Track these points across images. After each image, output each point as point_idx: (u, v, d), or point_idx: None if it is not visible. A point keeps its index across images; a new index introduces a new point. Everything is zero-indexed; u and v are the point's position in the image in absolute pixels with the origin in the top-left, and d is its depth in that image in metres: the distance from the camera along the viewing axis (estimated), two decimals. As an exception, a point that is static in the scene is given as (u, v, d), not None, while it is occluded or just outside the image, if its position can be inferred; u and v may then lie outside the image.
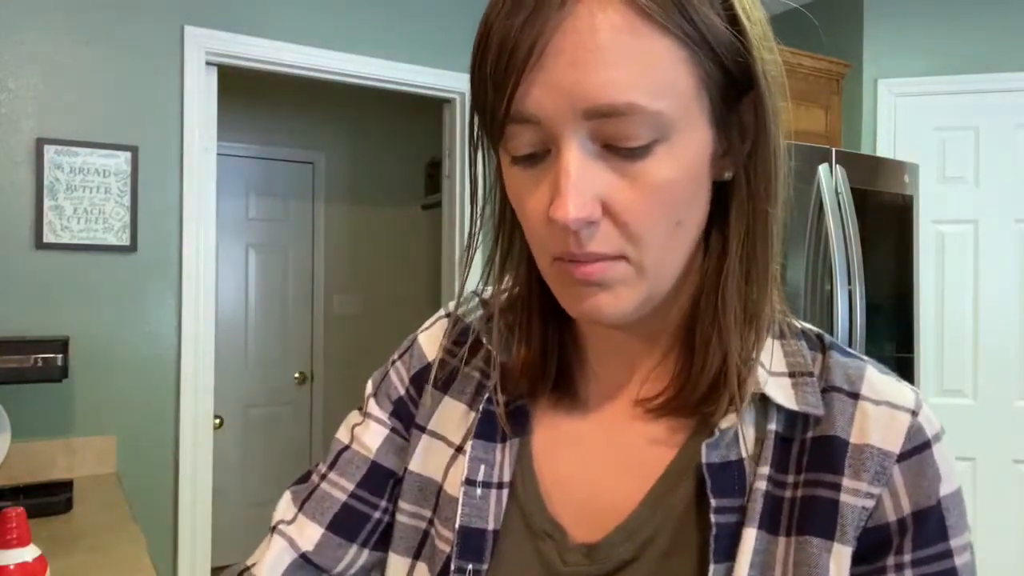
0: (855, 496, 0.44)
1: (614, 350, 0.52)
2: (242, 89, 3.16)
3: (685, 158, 0.42)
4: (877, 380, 0.47)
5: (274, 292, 3.74)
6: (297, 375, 3.77)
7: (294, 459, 3.76)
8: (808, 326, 0.52)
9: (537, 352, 0.52)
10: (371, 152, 3.92)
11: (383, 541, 0.58)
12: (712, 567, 0.44)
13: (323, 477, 0.59)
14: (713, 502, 0.45)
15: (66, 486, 1.79)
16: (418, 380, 0.59)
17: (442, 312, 0.62)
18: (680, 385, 0.48)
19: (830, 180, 2.17)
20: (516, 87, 0.41)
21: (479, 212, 0.51)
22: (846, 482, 0.44)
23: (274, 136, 3.71)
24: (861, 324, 2.16)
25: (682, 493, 0.47)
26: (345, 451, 0.59)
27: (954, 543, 0.44)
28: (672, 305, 0.49)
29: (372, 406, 0.60)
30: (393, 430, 0.58)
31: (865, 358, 0.50)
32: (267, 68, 2.28)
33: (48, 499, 1.70)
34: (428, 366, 0.58)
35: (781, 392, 0.47)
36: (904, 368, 2.45)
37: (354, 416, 0.61)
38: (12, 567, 0.97)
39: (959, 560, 0.44)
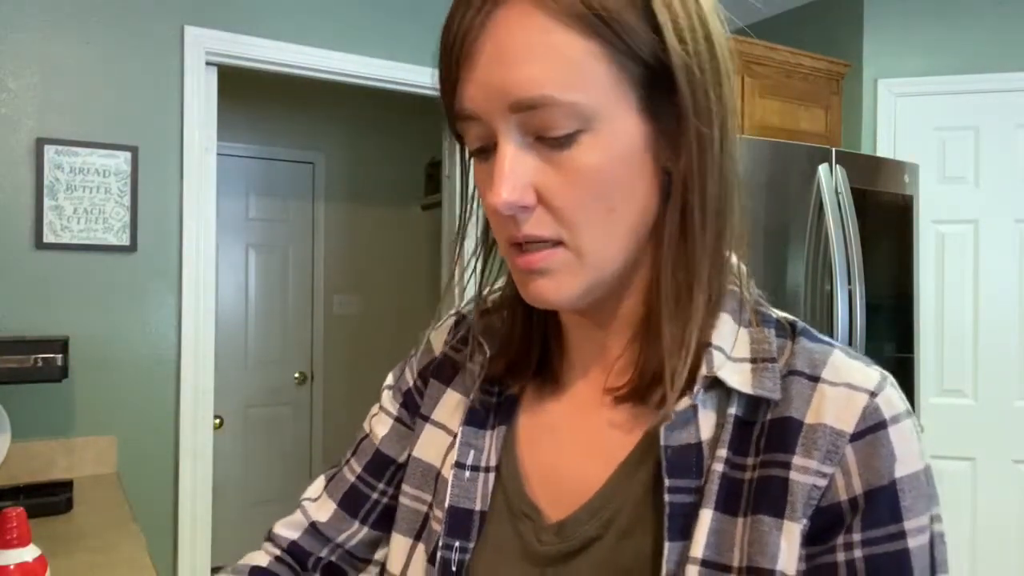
0: (804, 474, 0.44)
1: (585, 339, 0.55)
2: (242, 89, 3.16)
3: (612, 147, 0.44)
4: (841, 363, 0.48)
5: (274, 292, 3.74)
6: (297, 375, 3.77)
7: (294, 459, 3.76)
8: (783, 315, 0.52)
9: (520, 344, 0.56)
10: (371, 152, 3.92)
11: (381, 521, 0.64)
12: (667, 545, 0.45)
13: (347, 462, 0.67)
14: (667, 482, 0.46)
15: (66, 486, 1.79)
16: (425, 373, 0.64)
17: (454, 311, 0.66)
18: (639, 373, 0.50)
19: (830, 180, 2.17)
20: (455, 88, 0.46)
21: (468, 210, 0.54)
22: (796, 460, 0.45)
23: (274, 136, 3.71)
24: (861, 324, 2.16)
25: (643, 474, 0.49)
26: (364, 439, 0.66)
27: (908, 524, 0.44)
28: (628, 293, 0.51)
29: (385, 398, 0.66)
30: (398, 420, 0.64)
31: (836, 344, 0.50)
32: (267, 68, 2.28)
33: (48, 499, 1.69)
34: (434, 360, 0.63)
35: (738, 376, 0.47)
36: (904, 368, 2.45)
37: (375, 408, 0.68)
38: (12, 567, 0.97)
39: (912, 542, 0.44)
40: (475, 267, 0.56)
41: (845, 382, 0.46)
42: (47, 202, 1.96)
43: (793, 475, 0.44)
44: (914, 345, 2.47)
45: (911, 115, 2.72)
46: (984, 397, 2.62)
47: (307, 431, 3.81)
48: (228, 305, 3.59)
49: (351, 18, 2.38)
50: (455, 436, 0.57)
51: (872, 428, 0.44)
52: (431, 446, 0.59)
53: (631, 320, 0.52)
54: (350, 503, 0.64)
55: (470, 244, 0.57)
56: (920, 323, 2.52)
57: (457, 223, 0.54)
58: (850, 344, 2.14)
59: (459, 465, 0.55)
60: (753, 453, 0.46)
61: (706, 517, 0.45)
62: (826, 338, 0.51)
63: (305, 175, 3.82)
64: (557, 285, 0.47)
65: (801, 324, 0.51)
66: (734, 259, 0.53)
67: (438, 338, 0.65)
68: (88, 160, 2.00)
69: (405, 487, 0.59)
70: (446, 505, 0.54)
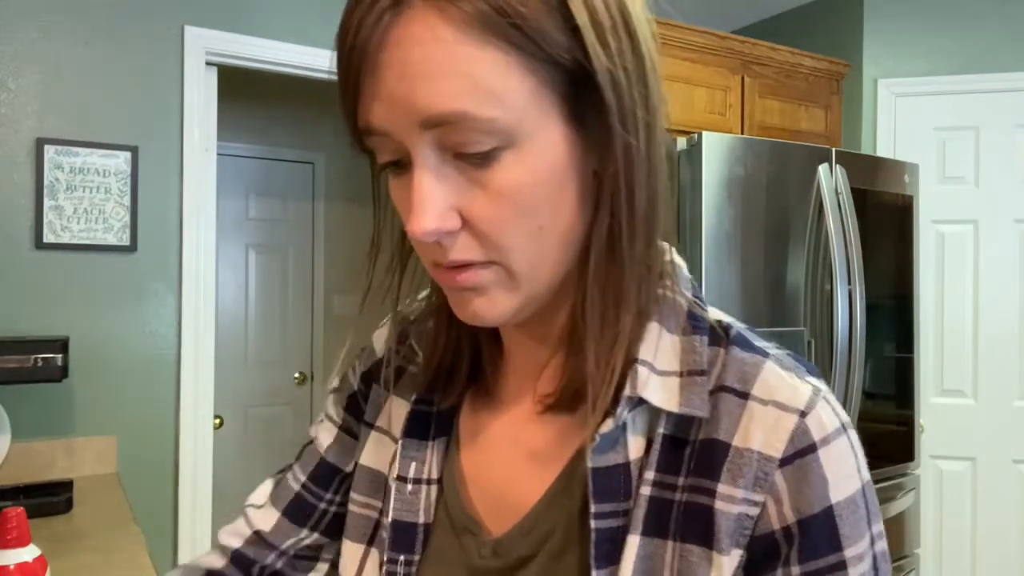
0: (730, 503, 0.42)
1: (520, 350, 0.53)
2: (242, 89, 3.15)
3: (537, 163, 0.41)
4: (772, 377, 0.45)
5: (274, 292, 3.74)
6: (297, 375, 3.77)
7: (293, 459, 3.75)
8: (722, 318, 0.49)
9: (445, 356, 0.54)
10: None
11: (330, 527, 0.63)
12: (594, 572, 0.43)
13: (290, 468, 0.65)
14: (593, 507, 0.44)
15: (66, 486, 1.79)
16: (368, 377, 0.62)
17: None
18: (564, 385, 0.48)
19: (830, 180, 2.17)
20: (358, 102, 0.42)
21: (380, 220, 0.50)
22: (721, 488, 0.42)
23: (274, 136, 3.71)
24: (861, 324, 2.16)
25: (575, 494, 0.47)
26: (308, 446, 0.65)
27: (849, 553, 0.41)
28: (562, 304, 0.48)
29: (329, 404, 0.64)
30: (342, 429, 0.63)
31: (771, 351, 0.47)
32: (267, 68, 2.27)
33: (48, 499, 1.69)
34: (377, 363, 0.61)
35: (665, 393, 0.44)
36: (904, 368, 2.45)
37: (320, 416, 0.66)
38: (12, 567, 0.97)
39: (854, 571, 0.41)
40: (393, 281, 0.54)
41: (774, 400, 0.43)
42: (47, 202, 1.96)
43: (719, 504, 0.42)
44: (914, 345, 2.47)
45: (911, 115, 2.72)
46: (984, 397, 2.62)
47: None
48: (228, 305, 3.58)
49: (351, 18, 2.37)
50: (397, 446, 0.56)
51: (801, 452, 0.42)
52: (378, 453, 0.58)
53: (564, 330, 0.49)
54: (296, 512, 0.62)
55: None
56: (920, 323, 2.52)
57: (372, 234, 0.51)
58: (850, 344, 2.14)
59: (401, 479, 0.54)
60: (684, 473, 0.44)
61: (633, 543, 0.43)
62: (761, 343, 0.48)
63: (305, 175, 3.82)
64: (491, 303, 0.44)
65: (736, 328, 0.48)
66: (675, 258, 0.50)
67: (379, 339, 0.63)
68: (88, 160, 2.00)
69: (353, 495, 0.58)
70: (389, 520, 0.53)
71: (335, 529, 0.62)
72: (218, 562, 0.64)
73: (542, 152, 0.41)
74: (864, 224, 2.21)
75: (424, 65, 0.39)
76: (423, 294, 0.59)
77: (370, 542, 0.56)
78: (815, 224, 2.15)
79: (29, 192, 1.95)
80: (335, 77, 0.46)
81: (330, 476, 0.62)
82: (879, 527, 0.44)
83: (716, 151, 1.99)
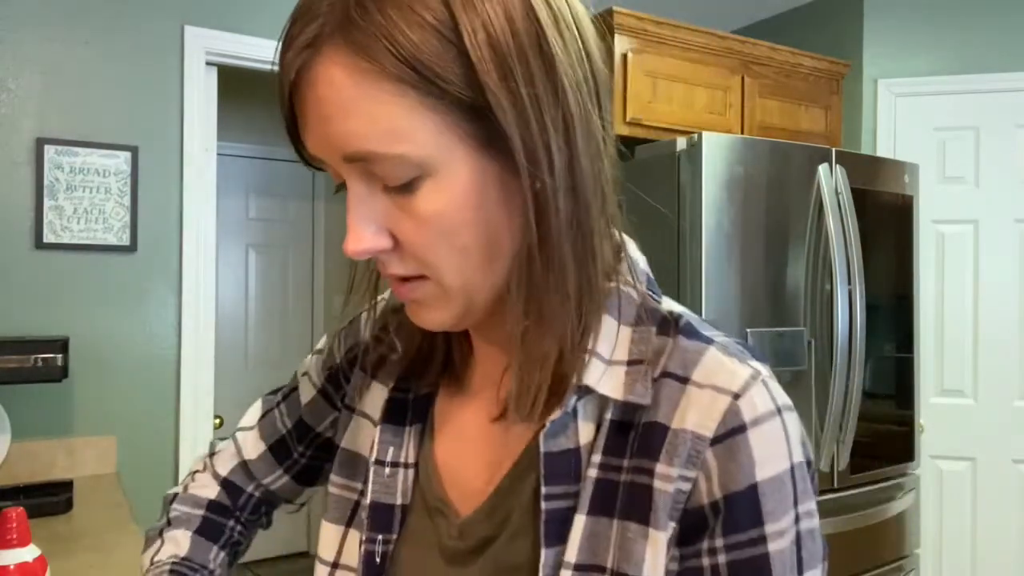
0: (667, 481, 0.45)
1: (483, 349, 0.56)
2: (242, 89, 3.15)
3: (454, 190, 0.43)
4: (712, 362, 0.47)
5: (274, 292, 3.74)
6: (297, 375, 3.77)
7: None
8: (674, 308, 0.52)
9: (423, 348, 0.58)
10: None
11: (300, 476, 0.71)
12: (543, 552, 0.46)
13: (277, 405, 0.71)
14: (544, 489, 0.47)
15: (66, 486, 1.79)
16: (351, 356, 0.65)
17: (384, 295, 0.66)
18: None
19: (830, 180, 2.17)
20: (296, 133, 0.47)
21: None
22: (659, 468, 0.45)
23: (274, 136, 3.71)
24: (861, 324, 2.16)
25: (531, 478, 0.50)
26: (293, 392, 0.70)
27: (770, 528, 0.44)
28: (507, 313, 0.50)
29: (313, 364, 0.69)
30: (322, 393, 0.67)
31: (717, 338, 0.49)
32: (267, 68, 2.27)
33: (48, 499, 1.70)
34: (358, 345, 0.65)
35: (611, 382, 0.47)
36: (904, 368, 2.45)
37: (308, 360, 0.70)
38: (12, 567, 0.97)
39: (773, 546, 0.44)
40: (372, 278, 0.58)
41: (711, 383, 0.46)
42: (47, 202, 1.96)
43: (657, 483, 0.45)
44: (914, 345, 2.47)
45: (911, 115, 2.72)
46: (984, 397, 2.62)
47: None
48: (228, 305, 3.59)
49: (351, 18, 2.37)
50: (376, 431, 0.59)
51: (732, 432, 0.44)
52: (358, 437, 0.61)
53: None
54: (278, 452, 0.70)
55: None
56: (920, 323, 2.52)
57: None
58: (850, 345, 2.14)
59: (379, 463, 0.57)
60: (628, 455, 0.47)
61: (579, 522, 0.46)
62: (708, 332, 0.50)
63: (305, 175, 3.82)
64: (430, 313, 0.49)
65: (686, 318, 0.50)
66: (634, 253, 0.53)
67: (367, 321, 0.66)
68: (88, 160, 2.00)
69: (333, 477, 0.61)
70: (368, 501, 0.56)
71: (303, 479, 0.71)
72: (211, 491, 0.71)
73: (457, 180, 0.43)
74: (864, 224, 2.21)
75: (333, 107, 0.42)
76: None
77: (349, 523, 0.59)
78: (815, 224, 2.15)
79: (29, 192, 1.95)
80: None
81: (305, 432, 0.69)
82: (808, 506, 0.45)
83: (716, 151, 1.99)
